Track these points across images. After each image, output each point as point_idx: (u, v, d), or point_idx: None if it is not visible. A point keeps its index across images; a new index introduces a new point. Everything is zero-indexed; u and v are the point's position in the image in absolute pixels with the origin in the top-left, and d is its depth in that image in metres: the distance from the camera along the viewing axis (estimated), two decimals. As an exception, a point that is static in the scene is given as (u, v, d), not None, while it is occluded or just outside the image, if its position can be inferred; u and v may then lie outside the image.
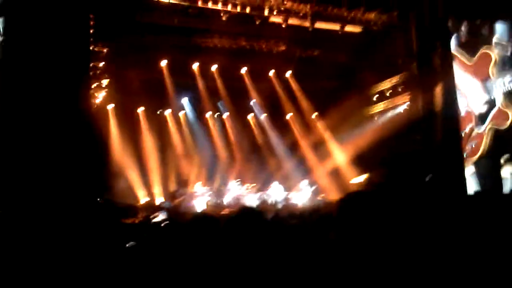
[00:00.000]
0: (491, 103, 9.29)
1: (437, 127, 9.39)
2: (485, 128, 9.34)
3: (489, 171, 9.28)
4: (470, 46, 9.69)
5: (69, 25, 6.49)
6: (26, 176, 5.72)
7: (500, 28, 9.16)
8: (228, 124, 13.81)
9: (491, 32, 9.22)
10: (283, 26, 10.33)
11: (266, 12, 9.85)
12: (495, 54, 9.11)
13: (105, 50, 9.64)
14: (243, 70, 12.82)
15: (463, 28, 9.75)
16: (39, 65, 6.10)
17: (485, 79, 9.34)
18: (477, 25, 9.46)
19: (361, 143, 12.74)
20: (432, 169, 9.31)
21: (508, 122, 9.02)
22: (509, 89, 8.92)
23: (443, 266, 1.51)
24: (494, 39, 9.13)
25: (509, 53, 9.01)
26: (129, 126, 12.19)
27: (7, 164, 5.84)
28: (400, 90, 12.11)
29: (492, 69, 9.17)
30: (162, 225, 7.05)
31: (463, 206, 1.95)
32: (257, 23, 10.13)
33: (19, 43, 6.15)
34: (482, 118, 9.52)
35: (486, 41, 9.35)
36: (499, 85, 9.08)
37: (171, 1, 9.30)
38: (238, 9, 9.63)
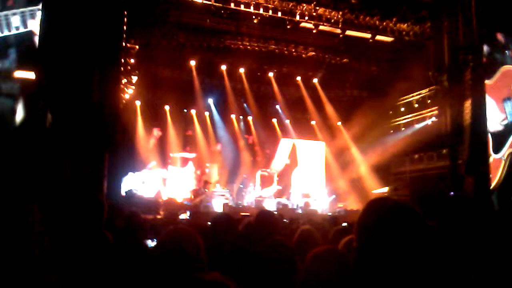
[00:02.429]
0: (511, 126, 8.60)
1: (465, 143, 9.18)
2: (504, 153, 8.62)
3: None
4: (490, 66, 9.16)
5: (103, 20, 6.67)
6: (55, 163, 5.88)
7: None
8: (252, 127, 13.87)
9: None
10: (314, 31, 10.33)
11: (297, 17, 9.86)
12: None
13: (136, 47, 9.81)
14: (271, 74, 12.86)
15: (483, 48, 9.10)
16: (72, 56, 6.28)
17: (505, 98, 8.76)
18: (501, 45, 9.04)
19: (385, 154, 12.59)
20: (458, 184, 9.10)
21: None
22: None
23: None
24: None
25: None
26: (155, 122, 12.39)
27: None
28: (428, 102, 11.94)
29: None
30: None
31: (488, 223, 1.92)
32: (288, 27, 10.16)
33: (55, 34, 6.33)
34: (500, 143, 8.73)
35: (507, 61, 8.89)
36: None
37: (204, 2, 9.41)
38: (270, 12, 9.67)
